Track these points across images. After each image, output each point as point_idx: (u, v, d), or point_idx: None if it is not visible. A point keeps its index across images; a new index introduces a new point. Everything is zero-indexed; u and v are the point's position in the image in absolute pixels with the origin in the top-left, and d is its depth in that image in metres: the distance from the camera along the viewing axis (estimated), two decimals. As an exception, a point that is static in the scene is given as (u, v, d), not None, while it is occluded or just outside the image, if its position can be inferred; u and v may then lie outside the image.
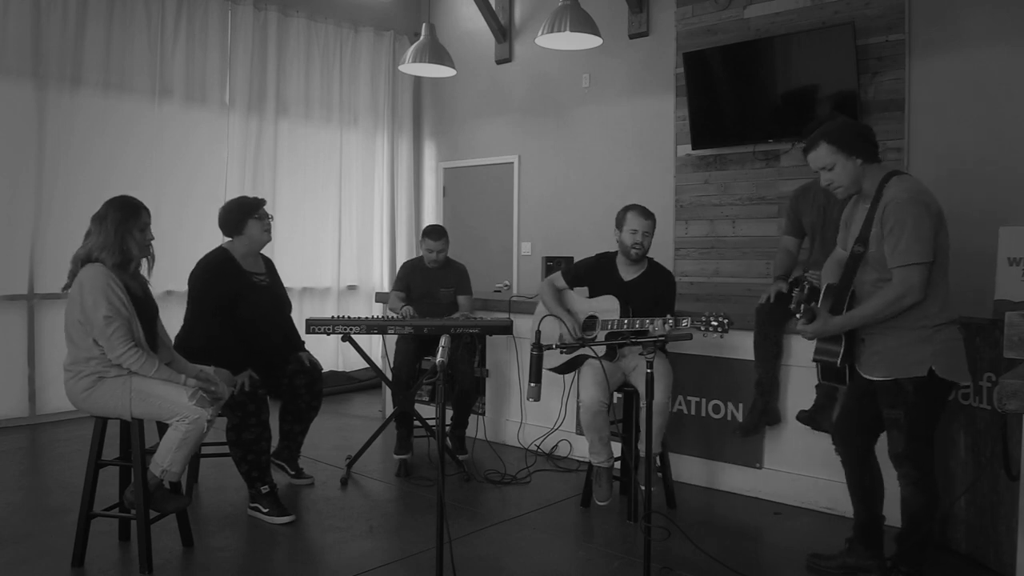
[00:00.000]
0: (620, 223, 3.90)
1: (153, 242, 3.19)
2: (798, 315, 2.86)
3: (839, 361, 2.88)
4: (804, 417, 3.75)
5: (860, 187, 2.83)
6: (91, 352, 3.02)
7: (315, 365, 4.19)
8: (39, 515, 3.70)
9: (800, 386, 3.86)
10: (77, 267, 3.06)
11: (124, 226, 3.05)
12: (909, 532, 2.85)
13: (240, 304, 3.83)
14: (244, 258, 3.94)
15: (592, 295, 3.94)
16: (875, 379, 2.83)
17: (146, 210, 3.16)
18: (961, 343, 2.80)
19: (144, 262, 3.21)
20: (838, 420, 3.15)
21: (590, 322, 3.86)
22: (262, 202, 3.98)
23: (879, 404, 2.86)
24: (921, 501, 2.80)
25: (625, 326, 3.64)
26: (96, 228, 3.07)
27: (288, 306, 4.23)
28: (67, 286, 3.08)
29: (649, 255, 3.96)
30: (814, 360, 3.02)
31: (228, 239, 3.96)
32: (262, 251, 4.11)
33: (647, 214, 3.85)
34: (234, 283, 3.85)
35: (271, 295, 4.06)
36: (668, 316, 3.43)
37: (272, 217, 4.02)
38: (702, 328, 3.24)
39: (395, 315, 4.58)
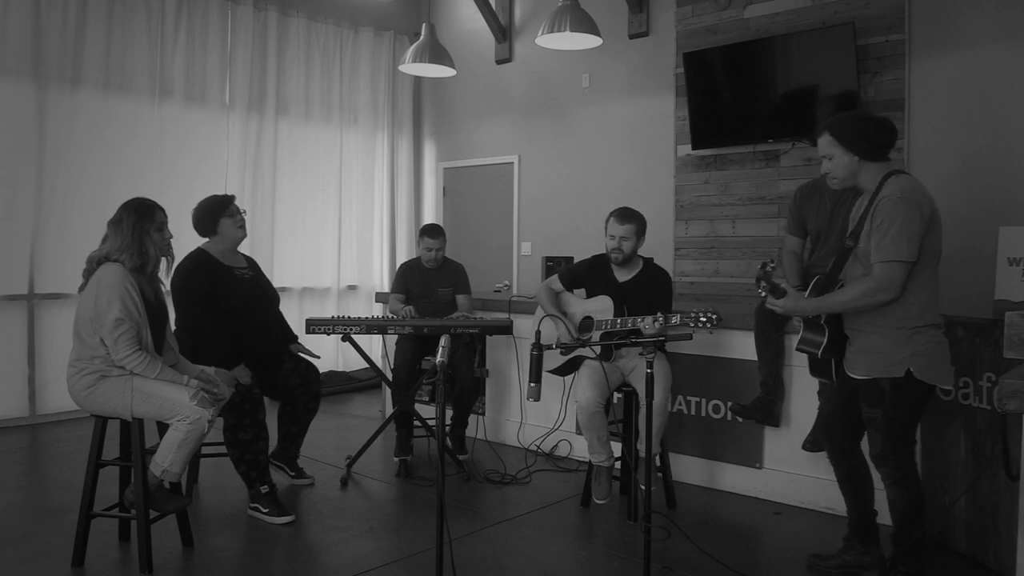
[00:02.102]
0: (605, 229, 3.90)
1: (172, 240, 3.22)
2: (760, 291, 2.86)
3: (820, 352, 2.88)
4: (808, 444, 3.75)
5: (855, 182, 2.85)
6: (97, 351, 3.02)
7: (309, 356, 4.19)
8: (39, 515, 3.70)
9: (802, 387, 3.85)
10: (93, 267, 3.08)
11: (140, 227, 3.08)
12: (901, 533, 2.85)
13: (227, 297, 3.85)
14: (222, 255, 3.96)
15: (589, 296, 3.94)
16: (857, 377, 2.84)
17: (161, 210, 3.19)
18: (944, 346, 2.79)
19: (163, 263, 3.22)
20: (825, 418, 3.15)
21: (586, 323, 3.86)
22: (231, 199, 4.00)
23: (860, 402, 2.87)
24: (907, 502, 2.80)
25: (618, 326, 3.65)
26: (113, 232, 3.09)
27: (276, 299, 4.24)
28: (83, 286, 3.09)
29: (648, 255, 3.96)
30: (797, 349, 3.02)
31: (205, 240, 3.99)
32: (249, 252, 4.12)
33: (625, 218, 3.82)
34: (217, 279, 3.87)
35: (255, 286, 4.07)
36: (659, 314, 3.44)
37: (245, 211, 4.04)
38: (691, 324, 3.25)
39: (397, 317, 4.58)
